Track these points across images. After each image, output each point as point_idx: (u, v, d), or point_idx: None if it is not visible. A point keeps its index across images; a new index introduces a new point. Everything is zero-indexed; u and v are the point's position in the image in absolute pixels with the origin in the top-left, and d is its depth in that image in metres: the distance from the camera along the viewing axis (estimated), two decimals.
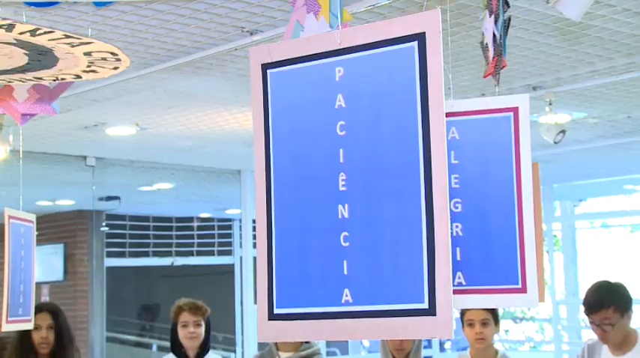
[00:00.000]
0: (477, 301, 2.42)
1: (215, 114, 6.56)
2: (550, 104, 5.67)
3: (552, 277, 10.74)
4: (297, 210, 1.83)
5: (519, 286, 2.37)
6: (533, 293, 2.36)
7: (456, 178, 2.36)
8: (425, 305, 1.65)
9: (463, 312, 4.45)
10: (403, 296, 1.68)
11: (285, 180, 1.85)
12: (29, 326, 4.36)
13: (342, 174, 1.78)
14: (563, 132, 5.98)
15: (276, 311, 1.83)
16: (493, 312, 4.40)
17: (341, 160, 1.78)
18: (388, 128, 1.74)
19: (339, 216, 1.77)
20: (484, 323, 4.36)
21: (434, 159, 1.69)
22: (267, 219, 1.86)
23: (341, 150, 1.79)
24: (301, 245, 1.82)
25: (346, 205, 1.77)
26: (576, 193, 11.45)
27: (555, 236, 11.91)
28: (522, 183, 2.34)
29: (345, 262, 1.76)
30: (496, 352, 4.47)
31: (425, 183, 1.69)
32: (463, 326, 4.49)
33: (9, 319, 4.03)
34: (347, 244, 1.76)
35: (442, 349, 11.71)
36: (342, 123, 1.79)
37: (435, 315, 1.63)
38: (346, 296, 1.75)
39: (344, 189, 1.77)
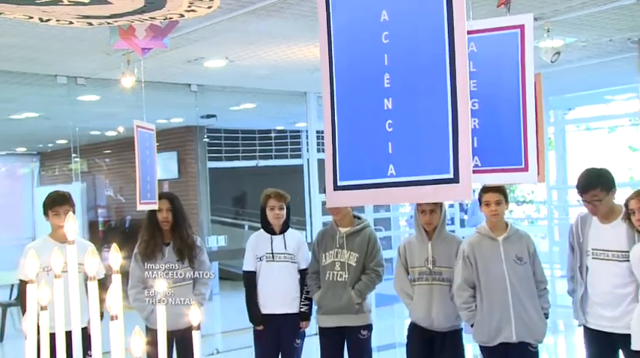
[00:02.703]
0: (490, 178, 2.40)
1: (286, 47, 6.50)
2: (548, 31, 5.49)
3: (547, 169, 10.59)
4: (353, 104, 1.81)
5: (522, 166, 2.35)
6: (533, 172, 2.34)
7: (474, 83, 2.30)
8: (451, 175, 1.64)
9: (481, 196, 4.42)
10: (434, 168, 1.67)
11: (344, 82, 1.82)
12: (154, 206, 4.47)
13: (386, 74, 1.75)
14: (558, 53, 5.82)
15: (339, 183, 1.84)
16: (504, 194, 4.36)
17: (386, 63, 1.75)
18: (422, 37, 1.70)
19: (385, 108, 1.75)
20: (498, 203, 4.33)
21: (457, 64, 1.66)
22: (332, 114, 1.85)
23: (385, 55, 1.75)
24: (356, 132, 1.81)
25: (390, 99, 1.74)
26: (566, 103, 11.19)
27: (550, 138, 11.70)
28: (526, 85, 2.28)
29: (390, 144, 1.75)
30: (507, 223, 4.45)
31: (450, 82, 1.66)
32: (481, 206, 4.47)
33: (141, 201, 4.15)
34: (391, 129, 1.74)
35: (462, 225, 11.71)
36: (387, 33, 1.75)
37: (458, 182, 1.62)
38: (391, 170, 1.74)
39: (388, 86, 1.75)
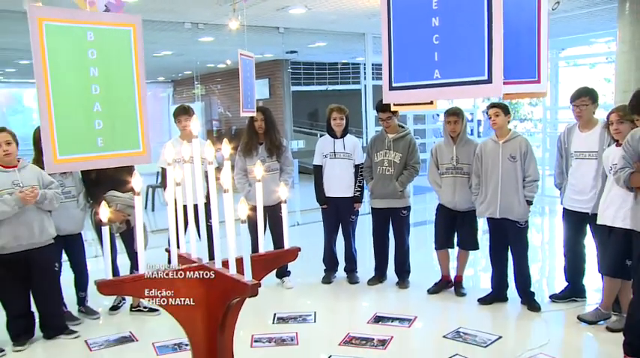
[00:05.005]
0: (510, 88, 2.20)
1: None
2: None
3: None
4: (405, 23, 1.66)
5: (536, 79, 2.15)
6: (544, 83, 2.14)
7: None
8: (485, 77, 1.50)
9: (487, 111, 4.27)
10: (472, 71, 1.53)
11: (398, 4, 1.66)
12: (254, 114, 4.42)
13: None
14: (558, 2, 5.37)
15: (393, 84, 1.71)
16: (502, 108, 4.15)
17: None
18: None
19: (432, 25, 1.59)
20: (496, 114, 4.15)
21: None
22: (388, 30, 1.70)
23: None
24: (408, 44, 1.66)
25: (437, 17, 1.59)
26: (559, 44, 10.53)
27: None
28: (542, 14, 2.05)
29: (436, 53, 1.60)
30: (509, 130, 4.24)
31: (487, 4, 1.48)
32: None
33: (244, 110, 4.10)
34: (437, 42, 1.60)
35: (479, 135, 11.37)
36: None
37: (491, 83, 1.48)
38: (437, 74, 1.61)
39: (436, 7, 1.59)
